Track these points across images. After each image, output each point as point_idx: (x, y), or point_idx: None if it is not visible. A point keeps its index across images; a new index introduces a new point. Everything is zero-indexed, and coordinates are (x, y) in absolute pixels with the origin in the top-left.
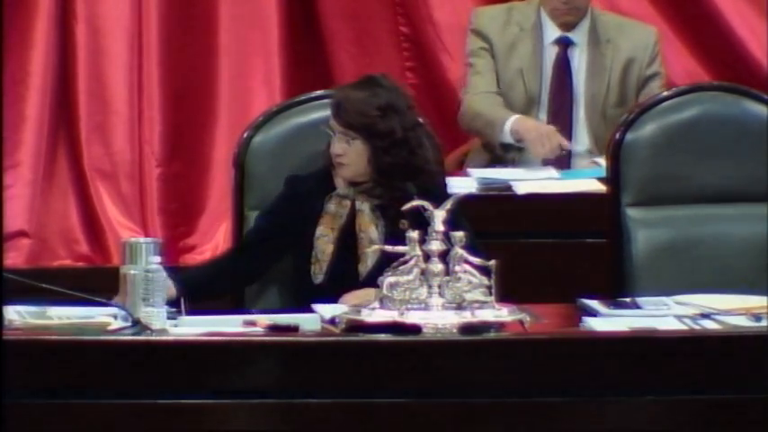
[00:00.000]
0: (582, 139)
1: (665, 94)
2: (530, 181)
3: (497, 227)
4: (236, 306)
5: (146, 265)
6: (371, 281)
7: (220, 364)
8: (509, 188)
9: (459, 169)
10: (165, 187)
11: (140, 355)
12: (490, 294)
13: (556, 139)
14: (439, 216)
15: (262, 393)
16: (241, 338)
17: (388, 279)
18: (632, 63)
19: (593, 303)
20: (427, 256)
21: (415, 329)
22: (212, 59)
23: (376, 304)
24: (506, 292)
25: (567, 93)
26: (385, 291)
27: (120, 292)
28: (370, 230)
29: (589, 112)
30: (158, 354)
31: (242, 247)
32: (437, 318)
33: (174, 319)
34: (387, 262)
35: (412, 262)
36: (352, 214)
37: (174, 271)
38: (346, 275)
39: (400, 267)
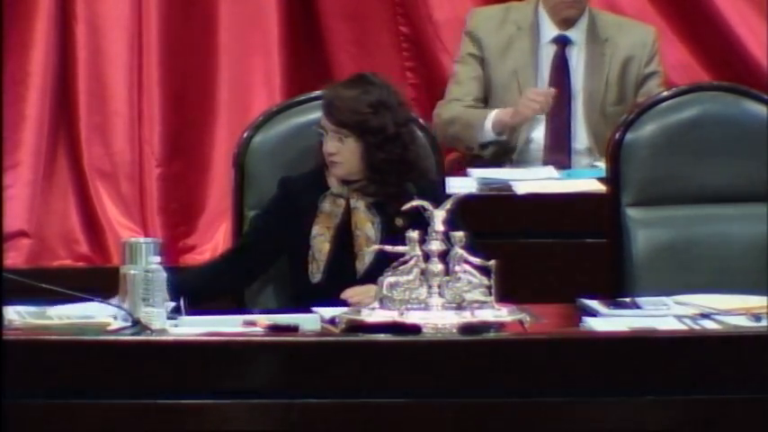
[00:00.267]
0: (581, 138)
1: (665, 94)
2: (530, 181)
3: (497, 227)
4: (236, 306)
5: (146, 265)
6: (369, 278)
7: (220, 364)
8: (509, 188)
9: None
10: (165, 187)
11: (140, 355)
12: (490, 294)
13: (540, 94)
14: (439, 216)
15: (262, 393)
16: (241, 338)
17: (387, 279)
18: (631, 61)
19: (593, 303)
20: (427, 256)
21: (415, 329)
22: (212, 59)
23: (376, 304)
24: (506, 292)
25: (566, 91)
26: (385, 291)
27: (120, 292)
28: (366, 228)
29: (588, 110)
30: (158, 354)
31: (239, 248)
32: (437, 318)
33: (174, 319)
34: (384, 259)
35: (412, 262)
36: (348, 212)
37: (173, 272)
38: (344, 274)
39: (400, 267)
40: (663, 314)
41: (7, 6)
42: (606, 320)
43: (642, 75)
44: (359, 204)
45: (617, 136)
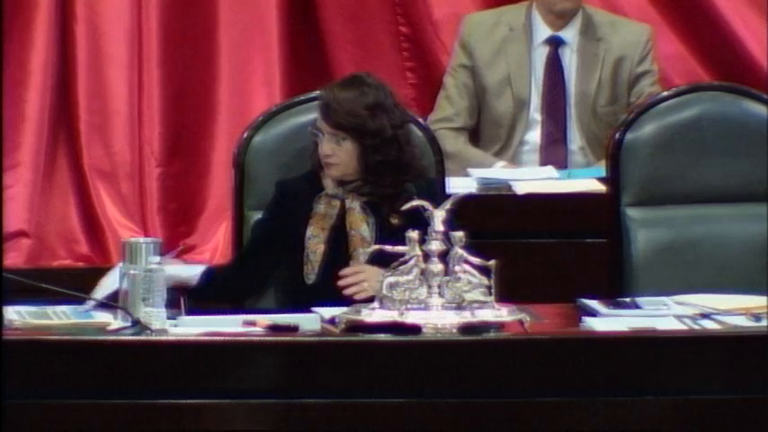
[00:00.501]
0: (575, 138)
1: (665, 94)
2: (530, 181)
3: (497, 227)
4: (236, 306)
5: (146, 265)
6: None
7: (220, 364)
8: (509, 188)
9: None
10: (165, 187)
11: (140, 355)
12: (490, 294)
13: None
14: (439, 216)
15: (262, 393)
16: (241, 338)
17: (388, 279)
18: (623, 61)
19: (593, 303)
20: (427, 256)
21: (415, 329)
22: (212, 59)
23: (376, 304)
24: (506, 292)
25: (560, 92)
26: (385, 291)
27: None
28: (362, 228)
29: (580, 110)
30: (158, 354)
31: (243, 259)
32: (437, 318)
33: (174, 318)
34: (380, 259)
35: (412, 262)
36: (342, 213)
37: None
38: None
39: (400, 267)
40: (663, 314)
41: (7, 6)
42: (606, 320)
43: (634, 74)
44: (354, 205)
45: (617, 136)
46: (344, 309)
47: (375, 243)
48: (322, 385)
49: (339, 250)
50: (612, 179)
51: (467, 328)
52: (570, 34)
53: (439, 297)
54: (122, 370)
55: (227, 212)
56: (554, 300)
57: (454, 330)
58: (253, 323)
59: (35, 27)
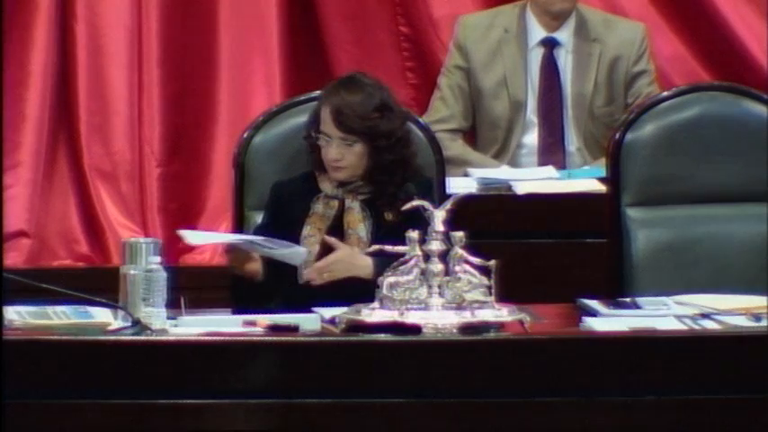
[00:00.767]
0: (573, 140)
1: (665, 94)
2: (530, 181)
3: (497, 227)
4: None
5: (146, 265)
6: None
7: (220, 364)
8: (509, 188)
9: None
10: (165, 187)
11: (140, 355)
12: (490, 294)
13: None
14: (439, 216)
15: (262, 393)
16: (241, 338)
17: (388, 279)
18: (619, 61)
19: (593, 303)
20: (427, 256)
21: (415, 329)
22: (212, 59)
23: (376, 304)
24: (506, 292)
25: (556, 94)
26: (385, 291)
27: (120, 292)
28: (359, 228)
29: (576, 111)
30: (158, 354)
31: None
32: (437, 318)
33: (174, 318)
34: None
35: (412, 262)
36: (340, 213)
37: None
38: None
39: (400, 267)
40: (663, 314)
41: (7, 6)
42: (606, 320)
43: (631, 74)
44: (354, 205)
45: (617, 136)
46: (344, 309)
47: (372, 243)
48: (322, 385)
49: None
50: (612, 179)
51: (467, 328)
52: (565, 35)
53: (439, 297)
54: (122, 370)
55: (227, 212)
56: (554, 300)
57: (454, 330)
58: (253, 323)
59: (35, 27)
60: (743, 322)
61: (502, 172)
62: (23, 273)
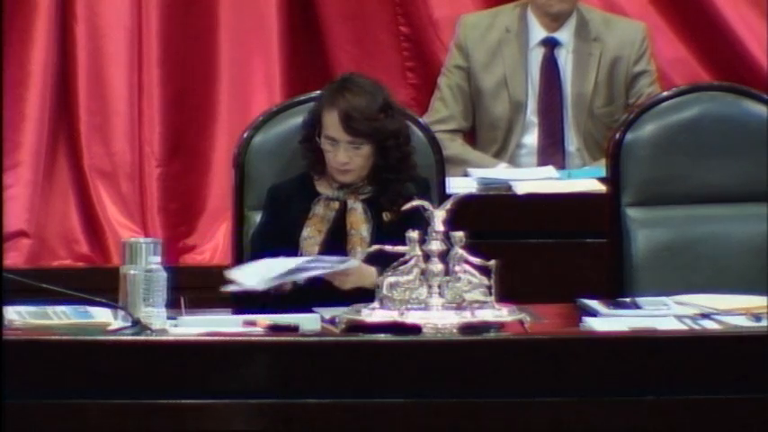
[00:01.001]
0: (573, 140)
1: (665, 94)
2: (530, 181)
3: (497, 227)
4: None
5: (146, 265)
6: None
7: (220, 364)
8: (509, 188)
9: None
10: (165, 187)
11: (140, 355)
12: (490, 294)
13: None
14: (439, 216)
15: (261, 393)
16: (241, 338)
17: (388, 279)
18: (619, 61)
19: (593, 303)
20: (427, 256)
21: (415, 329)
22: (212, 59)
23: (376, 304)
24: (506, 292)
25: (557, 94)
26: (385, 291)
27: (120, 292)
28: (362, 229)
29: (576, 112)
30: (158, 354)
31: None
32: (437, 318)
33: (174, 318)
34: (377, 259)
35: (412, 262)
36: (342, 214)
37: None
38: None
39: (400, 267)
40: (663, 314)
41: (7, 6)
42: (606, 320)
43: (631, 74)
44: (356, 206)
45: (617, 136)
46: (344, 309)
47: (372, 243)
48: (322, 385)
49: (335, 251)
50: (612, 179)
51: (467, 328)
52: (565, 35)
53: (439, 297)
54: (122, 370)
55: (227, 212)
56: (554, 300)
57: (454, 330)
58: (253, 323)
59: (35, 27)
60: (743, 322)
61: (502, 172)
62: (23, 273)
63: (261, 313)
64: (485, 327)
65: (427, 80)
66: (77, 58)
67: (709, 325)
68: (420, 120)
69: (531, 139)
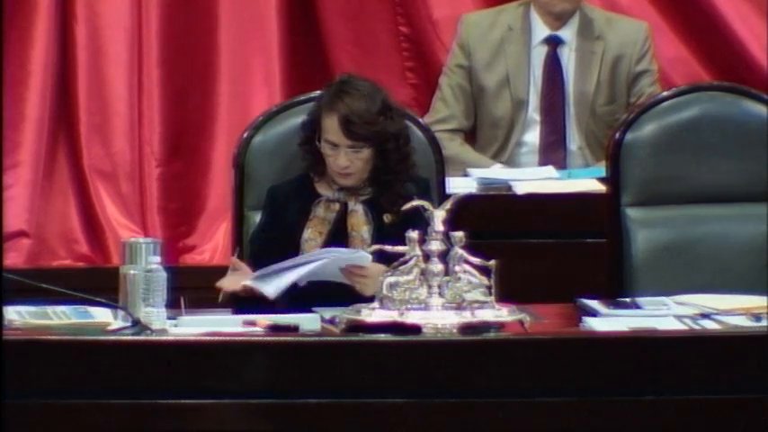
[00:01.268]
0: (574, 138)
1: (665, 94)
2: (530, 181)
3: (497, 227)
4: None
5: (146, 265)
6: None
7: (220, 364)
8: (509, 188)
9: None
10: (165, 187)
11: (140, 355)
12: (490, 294)
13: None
14: (439, 216)
15: (261, 393)
16: (241, 338)
17: (388, 279)
18: (621, 59)
19: (593, 303)
20: (427, 256)
21: (415, 329)
22: (212, 59)
23: (376, 304)
24: (506, 292)
25: (559, 92)
26: (385, 291)
27: (120, 292)
28: (363, 230)
29: (578, 110)
30: (158, 354)
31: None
32: (437, 318)
33: (174, 318)
34: (380, 260)
35: (412, 262)
36: (343, 215)
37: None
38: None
39: (400, 267)
40: (663, 314)
41: (7, 6)
42: (606, 320)
43: (633, 73)
44: (357, 207)
45: (617, 136)
46: (344, 309)
47: (373, 243)
48: (322, 385)
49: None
50: (612, 179)
51: (467, 328)
52: (568, 33)
53: (439, 297)
54: (122, 370)
55: (227, 212)
56: (554, 300)
57: (454, 330)
58: (253, 323)
59: (35, 27)
60: (743, 322)
61: (501, 172)
62: (23, 273)
63: (261, 313)
64: (485, 327)
65: (427, 80)
66: (77, 58)
67: (709, 325)
68: (420, 120)
69: (533, 136)
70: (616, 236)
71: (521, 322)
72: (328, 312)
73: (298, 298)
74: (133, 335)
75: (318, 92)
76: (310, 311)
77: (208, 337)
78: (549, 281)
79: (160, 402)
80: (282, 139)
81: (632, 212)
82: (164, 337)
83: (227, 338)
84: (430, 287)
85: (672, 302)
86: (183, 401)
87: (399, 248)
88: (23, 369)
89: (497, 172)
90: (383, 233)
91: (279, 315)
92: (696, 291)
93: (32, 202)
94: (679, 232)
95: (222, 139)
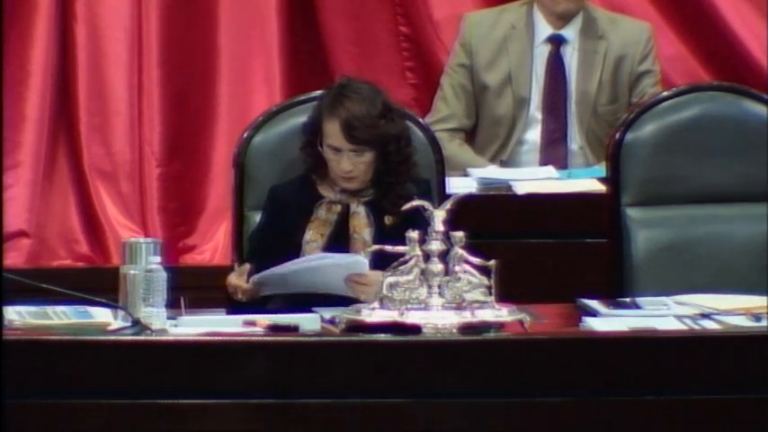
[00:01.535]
0: (576, 137)
1: (665, 94)
2: (530, 181)
3: (497, 227)
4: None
5: (146, 265)
6: None
7: (220, 364)
8: (509, 188)
9: None
10: (165, 187)
11: (140, 355)
12: (490, 294)
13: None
14: (439, 216)
15: (261, 393)
16: (241, 338)
17: (388, 279)
18: (624, 59)
19: (593, 303)
20: (427, 256)
21: (415, 329)
22: (212, 59)
23: (376, 304)
24: (506, 292)
25: (561, 91)
26: (385, 291)
27: (120, 292)
28: (365, 233)
29: (580, 109)
30: (158, 354)
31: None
32: (437, 318)
33: (174, 318)
34: (380, 261)
35: (412, 262)
36: (345, 217)
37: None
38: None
39: (400, 267)
40: (663, 314)
41: (7, 6)
42: (606, 320)
43: (635, 74)
44: (359, 210)
45: (617, 136)
46: (344, 309)
47: (374, 244)
48: (322, 385)
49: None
50: (612, 179)
51: (467, 328)
52: (571, 32)
53: (439, 297)
54: (122, 370)
55: (227, 212)
56: (554, 300)
57: (454, 330)
58: (253, 323)
59: (35, 27)
60: (743, 322)
61: (501, 172)
62: (23, 273)
63: (261, 313)
64: (485, 327)
65: (427, 80)
66: (77, 58)
67: (709, 325)
68: (420, 120)
69: (534, 135)
70: (616, 236)
71: (521, 322)
72: (328, 312)
73: (298, 298)
74: (133, 335)
75: (318, 92)
76: (310, 311)
77: (208, 337)
78: (549, 281)
79: (160, 402)
80: (282, 139)
81: (632, 212)
82: (164, 337)
83: (227, 338)
84: (430, 287)
85: (672, 302)
86: (182, 401)
87: (399, 248)
88: (23, 369)
89: (497, 172)
90: (384, 235)
91: (279, 315)
92: (696, 291)
93: (32, 202)
94: (679, 232)
95: (222, 139)
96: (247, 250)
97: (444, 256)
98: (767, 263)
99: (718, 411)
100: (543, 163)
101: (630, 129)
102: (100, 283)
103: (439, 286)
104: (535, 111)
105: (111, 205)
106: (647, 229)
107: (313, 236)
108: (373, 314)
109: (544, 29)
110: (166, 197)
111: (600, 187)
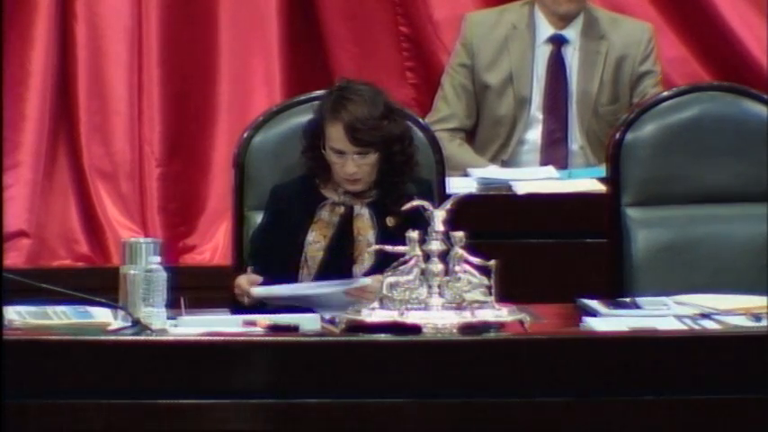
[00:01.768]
0: (576, 137)
1: (665, 94)
2: (530, 181)
3: (497, 227)
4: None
5: (146, 265)
6: None
7: (220, 364)
8: (509, 188)
9: None
10: (165, 187)
11: (140, 355)
12: (490, 294)
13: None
14: (439, 216)
15: (261, 393)
16: (241, 338)
17: (388, 279)
18: (625, 60)
19: (593, 303)
20: (427, 256)
21: (415, 329)
22: (212, 59)
23: (376, 304)
24: (506, 292)
25: (562, 91)
26: (385, 291)
27: (120, 292)
28: (369, 235)
29: (581, 109)
30: (158, 354)
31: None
32: (437, 318)
33: (174, 318)
34: (382, 262)
35: (412, 262)
36: (348, 219)
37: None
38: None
39: (400, 267)
40: (663, 314)
41: (7, 6)
42: (606, 320)
43: (636, 74)
44: (363, 211)
45: (617, 136)
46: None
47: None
48: (322, 385)
49: (340, 256)
50: (612, 179)
51: (467, 328)
52: (573, 33)
53: (439, 297)
54: (122, 370)
55: (227, 212)
56: (554, 300)
57: (454, 330)
58: (253, 323)
59: (35, 27)
60: (743, 322)
61: (501, 172)
62: (23, 273)
63: (261, 313)
64: (485, 327)
65: (427, 80)
66: (77, 58)
67: (710, 325)
68: (420, 120)
69: (534, 135)
70: (616, 236)
71: (521, 322)
72: (328, 312)
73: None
74: (133, 335)
75: (318, 92)
76: (310, 311)
77: (208, 337)
78: (549, 281)
79: (160, 402)
80: (282, 139)
81: (632, 212)
82: (164, 337)
83: (227, 338)
84: (430, 287)
85: (672, 302)
86: (183, 401)
87: (400, 248)
88: (23, 369)
89: (498, 172)
90: (388, 236)
91: (279, 315)
92: (696, 291)
93: (32, 202)
94: (679, 232)
95: (222, 139)
96: (249, 251)
97: (444, 256)
98: (767, 263)
99: (718, 411)
100: (544, 163)
101: (630, 129)
102: (100, 283)
103: (439, 286)
104: (536, 111)
105: (111, 205)
106: (646, 229)
107: (316, 237)
108: (373, 314)
109: (545, 29)
110: (166, 197)
111: (600, 187)
